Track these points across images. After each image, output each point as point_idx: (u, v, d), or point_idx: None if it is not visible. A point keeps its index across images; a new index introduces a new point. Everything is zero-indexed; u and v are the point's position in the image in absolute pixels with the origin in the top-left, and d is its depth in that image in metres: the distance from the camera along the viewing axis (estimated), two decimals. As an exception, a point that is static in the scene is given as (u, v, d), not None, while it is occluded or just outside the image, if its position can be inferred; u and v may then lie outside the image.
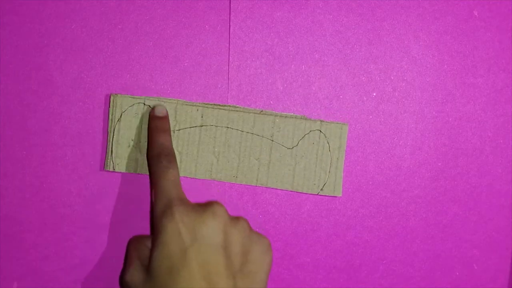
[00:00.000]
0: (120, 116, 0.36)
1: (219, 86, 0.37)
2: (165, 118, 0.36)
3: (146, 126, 0.36)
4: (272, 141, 0.38)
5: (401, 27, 0.39)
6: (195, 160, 0.37)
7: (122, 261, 0.37)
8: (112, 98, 0.36)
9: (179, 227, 0.30)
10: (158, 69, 0.37)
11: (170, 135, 0.36)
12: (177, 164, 0.34)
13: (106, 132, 0.37)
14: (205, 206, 0.31)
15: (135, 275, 0.31)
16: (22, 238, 0.36)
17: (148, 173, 0.36)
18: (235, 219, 0.32)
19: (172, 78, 0.37)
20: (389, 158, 0.39)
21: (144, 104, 0.36)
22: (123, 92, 0.37)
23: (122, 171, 0.36)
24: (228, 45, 0.37)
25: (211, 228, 0.30)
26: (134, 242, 0.33)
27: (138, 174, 0.37)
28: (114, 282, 0.37)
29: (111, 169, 0.36)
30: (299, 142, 0.38)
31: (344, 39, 0.38)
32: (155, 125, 0.35)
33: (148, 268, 0.30)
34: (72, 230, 0.37)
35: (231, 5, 0.37)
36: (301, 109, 0.38)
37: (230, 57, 0.37)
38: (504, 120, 0.40)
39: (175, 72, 0.37)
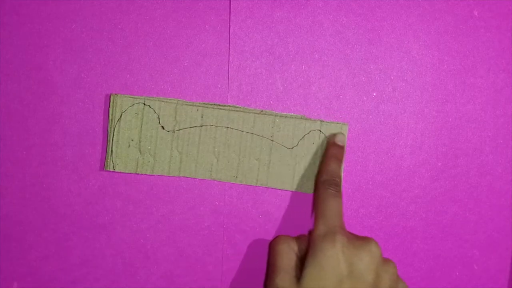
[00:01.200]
0: (120, 116, 0.36)
1: (219, 86, 0.37)
2: (343, 148, 0.37)
3: (147, 126, 0.36)
4: (272, 141, 0.38)
5: (401, 27, 0.39)
6: (195, 160, 0.37)
7: (123, 261, 0.37)
8: (112, 98, 0.36)
9: (339, 256, 0.32)
10: (158, 69, 0.37)
11: (342, 164, 0.37)
12: (342, 194, 0.35)
13: (106, 132, 0.37)
14: (364, 242, 0.33)
15: (286, 281, 0.32)
16: (22, 238, 0.36)
17: (147, 173, 0.37)
18: (387, 261, 0.34)
19: (172, 78, 0.37)
20: (389, 158, 0.39)
21: (144, 104, 0.36)
22: (123, 92, 0.37)
23: (122, 171, 0.36)
24: (228, 45, 0.37)
25: (367, 266, 0.32)
26: (282, 246, 0.34)
27: (138, 174, 0.37)
28: (114, 282, 0.37)
29: (111, 169, 0.36)
30: (299, 142, 0.38)
31: (344, 39, 0.38)
32: (333, 153, 0.37)
33: (299, 281, 0.32)
34: (72, 230, 0.37)
35: (231, 5, 0.37)
36: (301, 109, 0.38)
37: (230, 57, 0.37)
38: (504, 120, 0.40)
39: (175, 72, 0.37)
